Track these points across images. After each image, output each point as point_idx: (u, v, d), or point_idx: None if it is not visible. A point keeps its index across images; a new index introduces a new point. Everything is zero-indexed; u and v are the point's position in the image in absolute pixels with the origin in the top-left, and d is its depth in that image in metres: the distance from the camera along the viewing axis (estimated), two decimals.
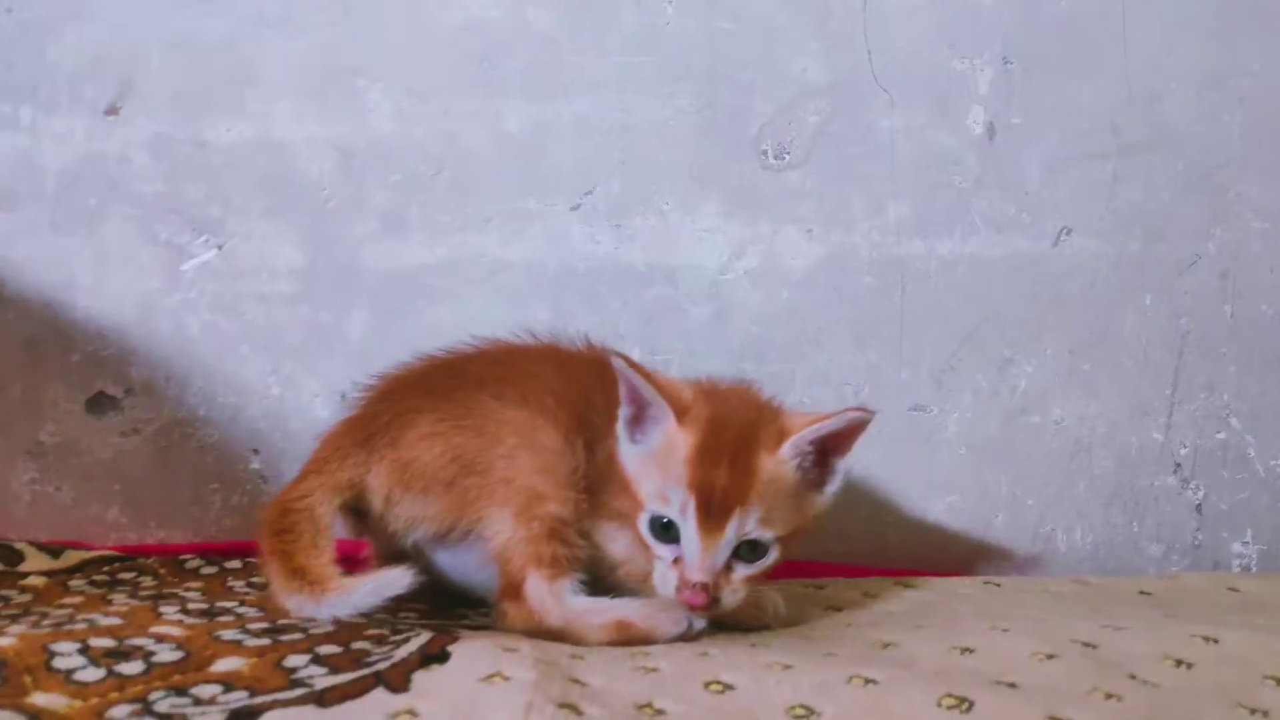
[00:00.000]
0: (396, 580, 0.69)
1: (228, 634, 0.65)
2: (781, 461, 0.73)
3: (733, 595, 0.72)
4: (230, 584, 0.88)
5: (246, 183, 1.05)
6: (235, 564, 0.95)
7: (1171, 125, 1.09)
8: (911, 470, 1.08)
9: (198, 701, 0.54)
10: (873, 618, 0.85)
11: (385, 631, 0.68)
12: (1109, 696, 0.58)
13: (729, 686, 0.59)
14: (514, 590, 0.73)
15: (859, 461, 1.05)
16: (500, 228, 1.06)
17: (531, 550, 0.73)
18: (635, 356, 1.05)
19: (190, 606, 0.75)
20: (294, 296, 1.05)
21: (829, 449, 0.76)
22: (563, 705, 0.54)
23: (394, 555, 0.77)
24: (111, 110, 1.04)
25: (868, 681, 0.59)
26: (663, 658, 0.65)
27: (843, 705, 0.56)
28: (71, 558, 0.93)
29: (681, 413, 0.73)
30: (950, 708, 0.56)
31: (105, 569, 0.92)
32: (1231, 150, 1.09)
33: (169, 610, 0.73)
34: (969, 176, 1.08)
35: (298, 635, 0.66)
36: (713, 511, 0.70)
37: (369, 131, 1.05)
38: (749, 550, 0.72)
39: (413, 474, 0.76)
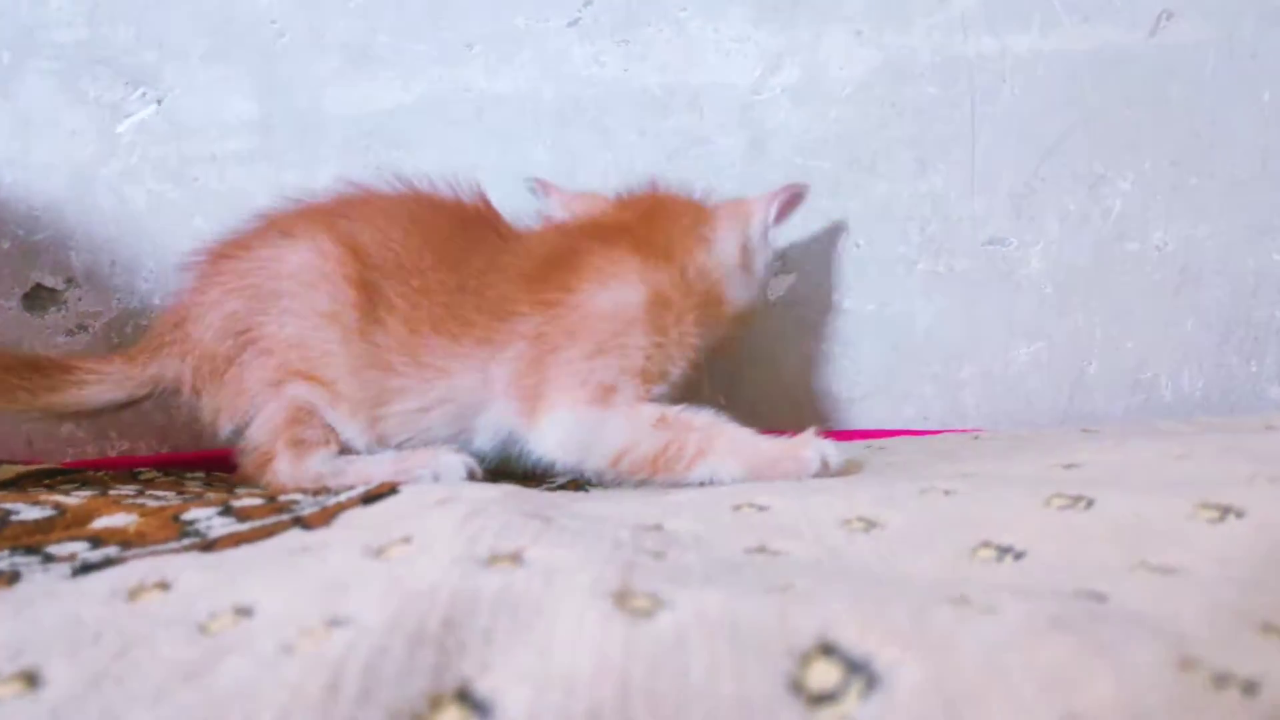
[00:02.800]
0: None
1: (139, 500, 0.52)
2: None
3: None
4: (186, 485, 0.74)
5: (182, 19, 0.88)
6: (197, 476, 0.81)
7: None
8: (989, 315, 0.92)
9: (49, 559, 0.41)
10: (952, 453, 0.70)
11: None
12: (1274, 481, 0.43)
13: (763, 508, 0.46)
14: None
15: (925, 309, 0.90)
16: (485, 54, 0.89)
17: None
18: None
19: (112, 492, 0.62)
20: (250, 154, 0.89)
21: None
22: (532, 516, 0.42)
23: None
24: None
25: (946, 493, 0.45)
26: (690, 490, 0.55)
27: (914, 515, 0.43)
28: (8, 471, 0.79)
29: None
30: (1064, 507, 0.42)
31: (45, 482, 0.79)
32: None
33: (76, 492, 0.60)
34: None
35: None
36: None
37: None
38: None
39: (201, 357, 0.69)
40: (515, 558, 0.35)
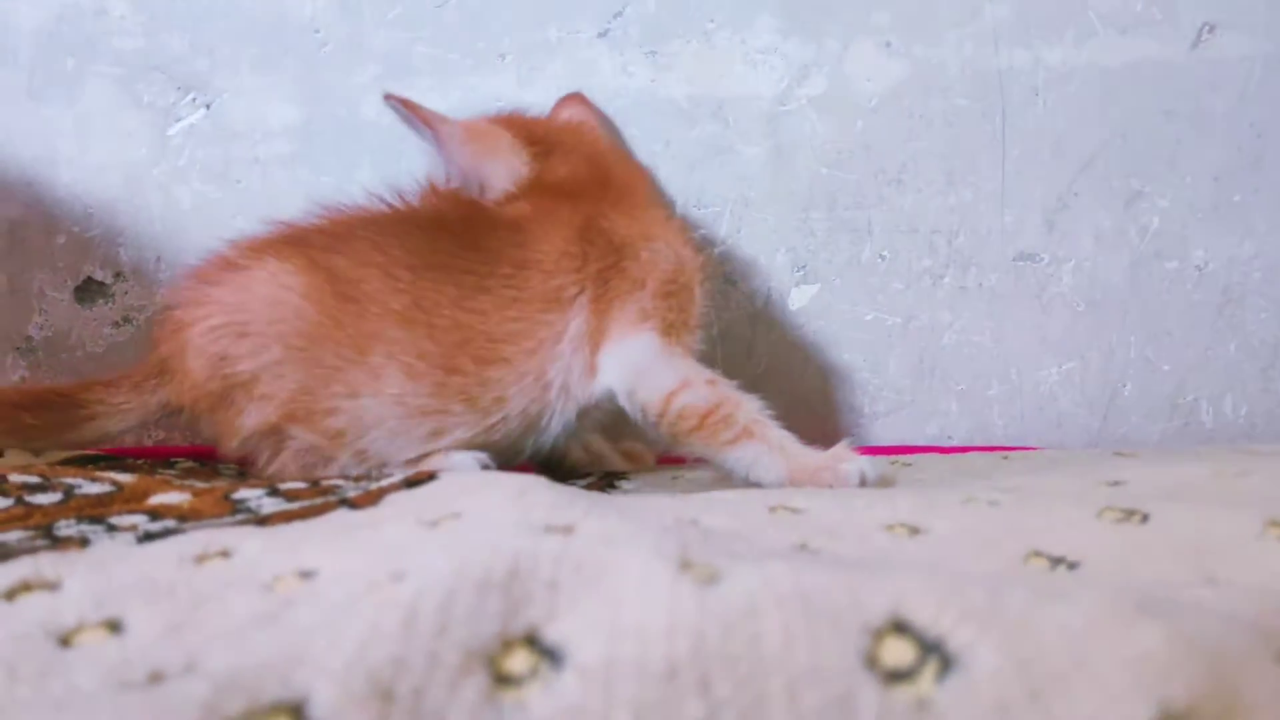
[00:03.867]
0: None
1: (186, 481, 0.54)
2: None
3: None
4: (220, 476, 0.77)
5: (233, 30, 0.92)
6: (231, 468, 0.84)
7: None
8: (1018, 332, 0.90)
9: (112, 529, 0.42)
10: (983, 472, 0.68)
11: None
12: None
13: (798, 510, 0.45)
14: None
15: (952, 324, 0.88)
16: (517, 64, 0.91)
17: None
18: (678, 209, 0.90)
19: (159, 475, 0.64)
20: (291, 158, 0.93)
21: None
22: (578, 497, 0.42)
23: None
24: None
25: (991, 503, 0.44)
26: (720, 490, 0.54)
27: (959, 523, 0.41)
28: (55, 455, 0.83)
29: None
30: (1118, 521, 0.40)
31: (88, 467, 0.82)
32: None
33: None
34: None
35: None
36: None
37: None
38: None
39: (195, 391, 0.66)
40: (569, 530, 0.35)
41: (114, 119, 0.93)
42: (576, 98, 0.87)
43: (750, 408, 0.63)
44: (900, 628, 0.26)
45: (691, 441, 0.63)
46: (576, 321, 0.66)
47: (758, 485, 0.62)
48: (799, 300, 0.90)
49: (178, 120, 0.93)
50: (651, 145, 0.90)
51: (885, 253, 0.89)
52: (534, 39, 0.91)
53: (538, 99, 0.91)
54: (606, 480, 0.73)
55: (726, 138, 0.90)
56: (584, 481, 0.73)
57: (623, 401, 0.66)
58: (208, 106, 0.93)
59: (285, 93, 0.92)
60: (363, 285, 0.65)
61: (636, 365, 0.65)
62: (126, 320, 0.94)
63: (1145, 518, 0.40)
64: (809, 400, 0.90)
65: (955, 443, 0.90)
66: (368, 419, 0.64)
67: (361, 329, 0.64)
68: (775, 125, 0.90)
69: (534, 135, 0.77)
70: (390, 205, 0.70)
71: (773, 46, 0.89)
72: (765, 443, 0.62)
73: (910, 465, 0.79)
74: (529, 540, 0.32)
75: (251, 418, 0.64)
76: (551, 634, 0.27)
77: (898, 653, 0.25)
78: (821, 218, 0.89)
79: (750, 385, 0.89)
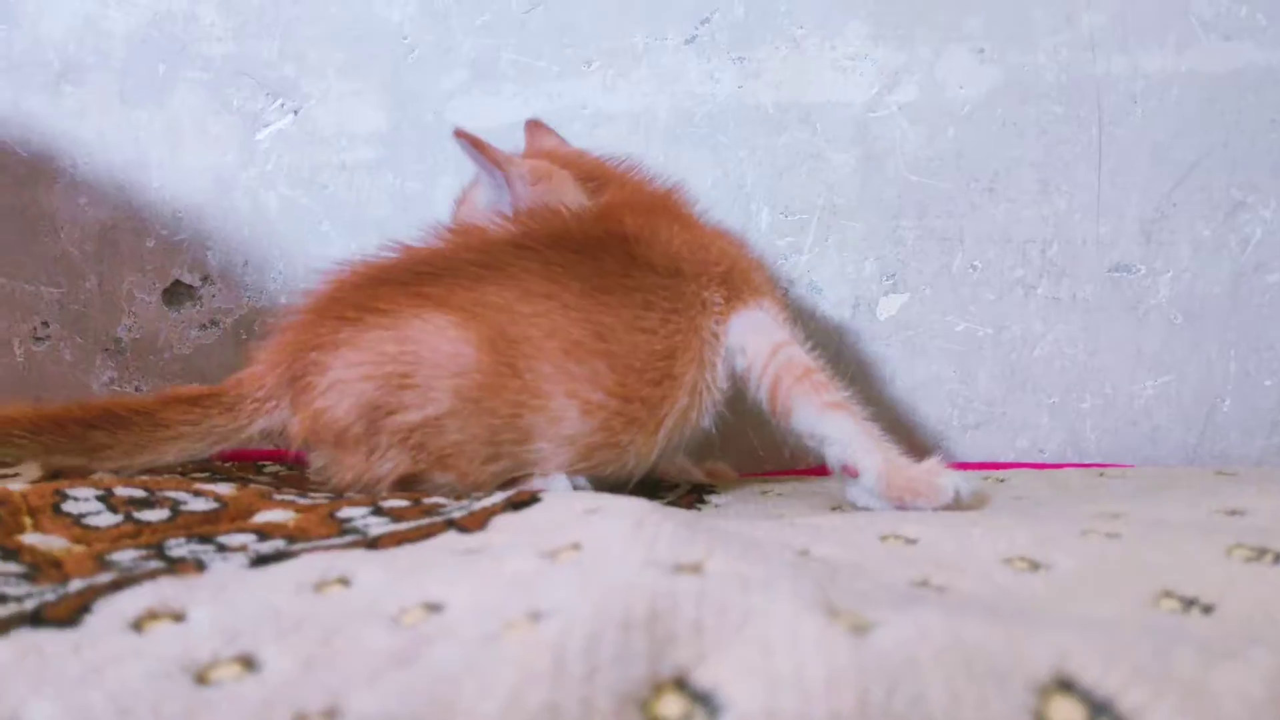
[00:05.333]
0: None
1: (284, 495, 0.54)
2: None
3: None
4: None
5: (321, 36, 0.93)
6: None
7: None
8: (1113, 344, 0.88)
9: (222, 549, 0.42)
10: (1082, 492, 0.66)
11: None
12: None
13: (911, 540, 0.43)
14: None
15: (1045, 335, 0.86)
16: (603, 71, 0.91)
17: None
18: (765, 215, 0.89)
19: (253, 485, 0.64)
20: (377, 164, 0.93)
21: None
22: (695, 528, 0.40)
23: None
24: None
25: (1110, 535, 0.42)
26: (825, 515, 0.50)
27: (1082, 558, 0.39)
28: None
29: None
30: (1249, 560, 0.38)
31: (179, 471, 0.83)
32: None
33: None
34: None
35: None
36: None
37: None
38: None
39: (324, 423, 0.61)
40: (698, 568, 0.34)
41: (203, 124, 0.94)
42: (545, 126, 0.84)
43: (841, 393, 0.64)
44: (1066, 685, 0.25)
45: (794, 397, 0.62)
46: (714, 323, 0.66)
47: (852, 477, 0.60)
48: (888, 309, 0.89)
49: (266, 125, 0.94)
50: (738, 151, 0.89)
51: (977, 262, 0.88)
52: (620, 45, 0.90)
53: (623, 105, 0.90)
54: (696, 494, 0.72)
55: (815, 144, 0.89)
56: (672, 495, 0.72)
57: (736, 359, 0.66)
58: (295, 112, 0.93)
59: (372, 99, 0.93)
60: (537, 321, 0.61)
61: (751, 326, 0.66)
62: (214, 323, 0.95)
63: (1278, 558, 0.38)
64: (897, 411, 0.88)
65: (1047, 457, 0.88)
66: (531, 460, 0.62)
67: (540, 370, 0.60)
68: (864, 132, 0.88)
69: (586, 171, 0.76)
70: (514, 228, 0.66)
71: (863, 53, 0.88)
72: (861, 426, 0.61)
73: (1004, 481, 0.77)
74: (664, 580, 0.31)
75: (392, 464, 0.60)
76: (702, 679, 0.26)
77: (1066, 712, 0.24)
78: (911, 226, 0.88)
79: None
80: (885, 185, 0.88)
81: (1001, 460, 0.87)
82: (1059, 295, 0.88)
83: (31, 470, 0.73)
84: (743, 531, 0.46)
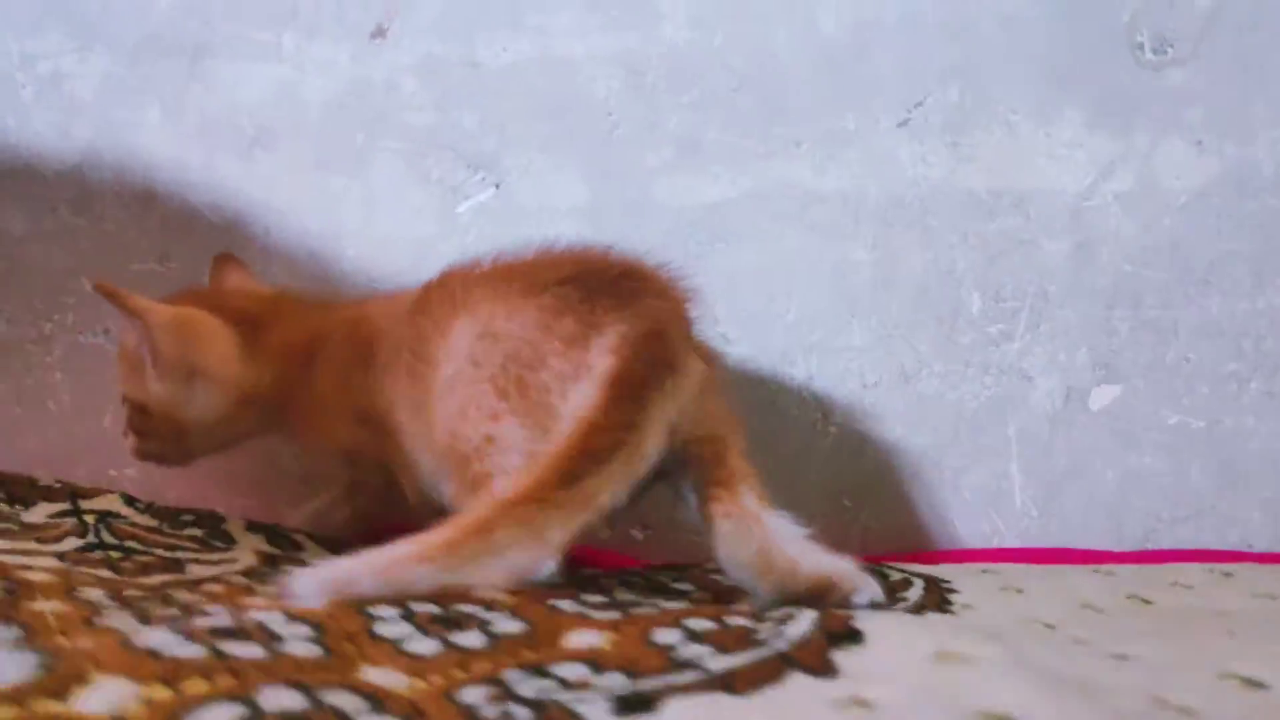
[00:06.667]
0: None
1: (562, 602, 0.53)
2: None
3: None
4: None
5: (524, 109, 0.92)
6: None
7: None
8: None
9: (566, 685, 0.41)
10: None
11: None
12: None
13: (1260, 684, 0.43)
14: None
15: (1258, 430, 0.86)
16: (812, 152, 0.90)
17: None
18: (976, 301, 0.88)
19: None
20: (578, 239, 0.93)
21: None
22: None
23: None
24: (378, 32, 0.93)
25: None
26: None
27: None
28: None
29: None
30: None
31: None
32: None
33: None
34: None
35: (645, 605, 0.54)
36: None
37: (661, 43, 0.91)
38: None
39: None
40: None
41: (402, 194, 0.94)
42: (236, 260, 0.84)
43: None
44: None
45: None
46: None
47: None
48: (1100, 400, 0.88)
49: (466, 198, 0.93)
50: (949, 237, 0.89)
51: (1190, 355, 0.87)
52: (830, 127, 0.90)
53: (833, 186, 0.90)
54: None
55: (1028, 230, 0.88)
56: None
57: None
58: (496, 185, 0.93)
59: (574, 173, 0.92)
60: None
61: None
62: None
63: None
64: (1107, 502, 0.88)
65: (1256, 551, 0.87)
66: None
67: None
68: (1078, 220, 0.88)
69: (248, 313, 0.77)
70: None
71: (1078, 141, 0.88)
72: None
73: (1230, 575, 0.77)
74: None
75: None
76: None
77: None
78: (1125, 316, 0.87)
79: (1048, 487, 0.88)
80: (1098, 274, 0.88)
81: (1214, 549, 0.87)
82: (1273, 390, 0.87)
83: (246, 555, 0.73)
84: (1051, 663, 0.45)
